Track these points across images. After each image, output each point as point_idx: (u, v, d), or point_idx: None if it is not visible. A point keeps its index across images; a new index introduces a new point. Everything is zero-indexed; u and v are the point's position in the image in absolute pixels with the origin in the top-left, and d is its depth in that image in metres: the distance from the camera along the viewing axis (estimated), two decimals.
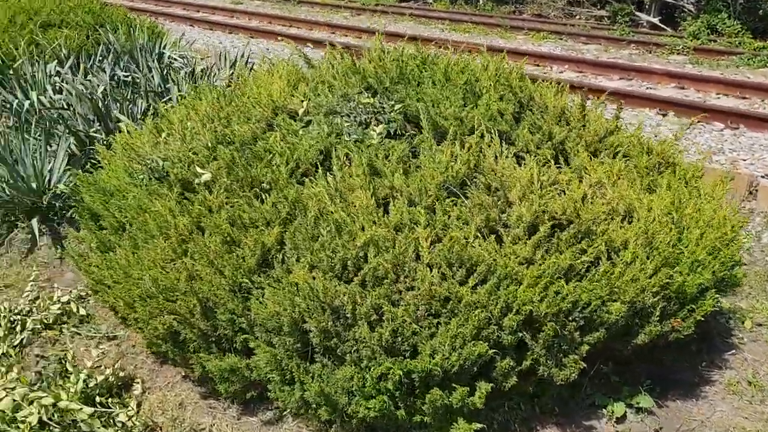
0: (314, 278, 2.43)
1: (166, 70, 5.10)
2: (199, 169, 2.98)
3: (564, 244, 2.49)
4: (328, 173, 2.89)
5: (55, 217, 4.37)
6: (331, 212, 2.57)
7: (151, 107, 4.79)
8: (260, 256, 2.57)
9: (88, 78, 5.20)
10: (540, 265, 2.39)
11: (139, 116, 4.67)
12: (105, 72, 5.39)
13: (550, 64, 10.10)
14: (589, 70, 9.75)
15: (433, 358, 2.22)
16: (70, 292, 3.72)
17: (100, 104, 4.56)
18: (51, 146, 4.51)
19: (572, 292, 2.32)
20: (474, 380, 2.34)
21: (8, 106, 5.01)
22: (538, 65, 10.11)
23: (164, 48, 6.07)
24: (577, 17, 15.62)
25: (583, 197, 2.71)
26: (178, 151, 3.27)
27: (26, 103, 4.94)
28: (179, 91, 4.96)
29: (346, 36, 12.21)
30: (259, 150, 3.03)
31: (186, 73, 5.28)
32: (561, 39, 12.87)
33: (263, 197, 2.80)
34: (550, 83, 3.81)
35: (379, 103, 3.23)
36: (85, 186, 3.32)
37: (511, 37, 13.04)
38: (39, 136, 4.54)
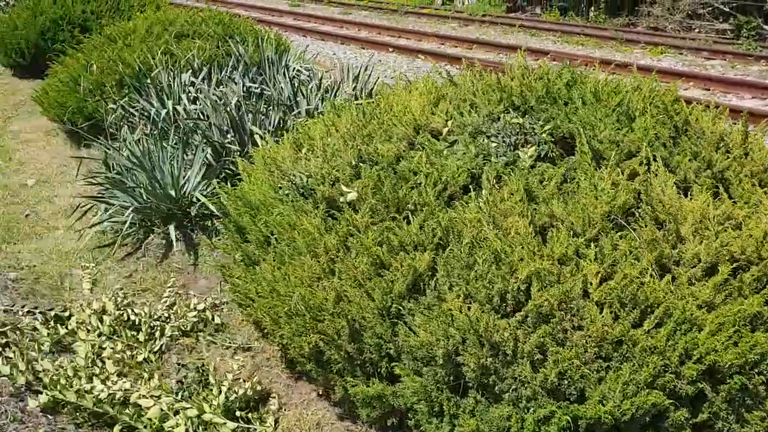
0: (470, 309, 2.33)
1: (296, 84, 5.16)
2: (344, 188, 2.95)
3: (747, 288, 2.27)
4: (476, 197, 2.80)
5: (189, 224, 4.50)
6: (488, 240, 2.46)
7: (282, 120, 4.85)
8: (411, 281, 2.49)
9: (220, 89, 5.34)
10: (722, 310, 2.18)
11: (270, 129, 4.74)
12: (236, 83, 5.52)
13: (673, 81, 9.58)
14: (716, 88, 9.20)
15: (604, 405, 2.07)
16: (205, 300, 3.80)
17: (235, 115, 4.66)
18: (187, 155, 4.65)
19: (761, 343, 2.10)
20: (643, 429, 2.16)
21: (146, 114, 5.22)
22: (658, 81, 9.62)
23: (289, 60, 6.17)
24: (696, 30, 14.83)
25: (764, 236, 2.46)
26: (320, 168, 3.25)
27: (163, 112, 5.13)
28: (308, 104, 5.01)
29: (456, 47, 12.12)
30: (403, 170, 2.97)
31: (313, 86, 5.33)
32: (681, 54, 12.27)
33: (410, 219, 2.73)
34: (706, 106, 3.56)
35: (529, 123, 3.10)
36: (231, 199, 3.36)
37: (627, 50, 12.54)
38: (176, 144, 4.70)
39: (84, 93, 5.70)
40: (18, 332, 3.15)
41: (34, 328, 3.20)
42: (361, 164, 3.15)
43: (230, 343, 3.50)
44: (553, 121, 3.19)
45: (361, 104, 3.76)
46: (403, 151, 3.14)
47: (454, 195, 2.82)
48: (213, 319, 3.66)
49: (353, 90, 5.59)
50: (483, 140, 3.08)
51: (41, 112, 6.51)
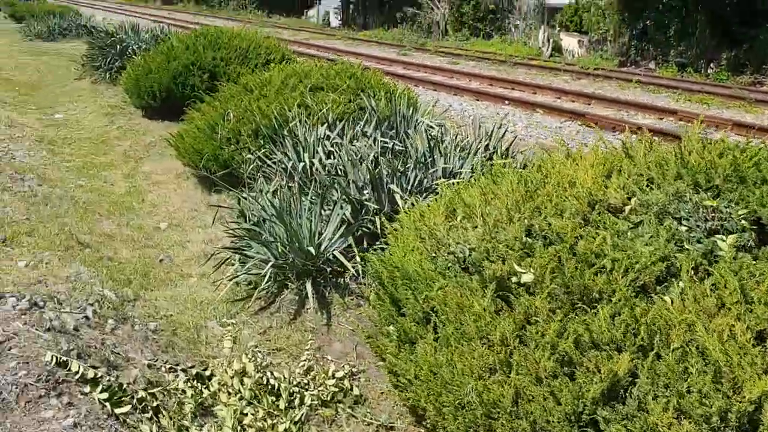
0: (680, 424, 2.03)
1: (432, 141, 5.03)
2: (517, 268, 2.72)
3: None
4: (669, 291, 2.50)
5: (322, 281, 4.38)
6: (698, 342, 2.15)
7: (419, 179, 4.71)
8: (608, 386, 2.21)
9: (354, 143, 5.28)
10: None
11: (408, 188, 4.60)
12: (368, 137, 5.46)
13: None
14: None
15: None
16: (343, 367, 3.63)
17: (373, 172, 4.56)
18: (324, 210, 4.57)
19: None
20: None
21: (283, 166, 5.22)
22: None
23: (420, 115, 6.08)
24: None
25: None
26: (482, 239, 3.05)
27: (300, 165, 5.11)
28: (445, 163, 4.85)
29: (573, 102, 11.79)
30: (585, 252, 2.71)
31: (449, 143, 5.18)
32: None
33: (597, 311, 2.47)
34: None
35: (725, 207, 2.79)
36: (387, 268, 3.20)
37: (757, 111, 11.81)
38: (313, 198, 4.63)
39: (220, 141, 5.80)
40: (165, 392, 3.07)
41: (181, 390, 3.11)
42: (530, 240, 2.92)
43: (371, 419, 3.30)
44: (743, 203, 2.88)
45: (522, 171, 3.55)
46: (580, 228, 2.89)
47: (646, 285, 2.54)
48: (351, 389, 3.48)
49: (486, 149, 5.41)
50: (671, 223, 2.79)
51: (176, 156, 6.70)
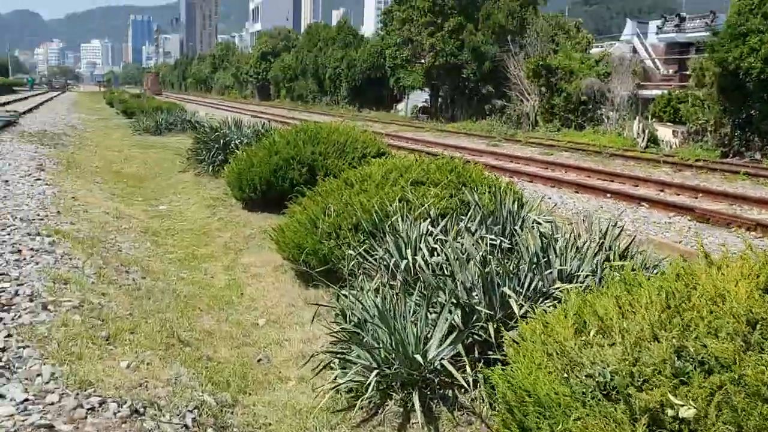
0: None
1: (545, 240, 4.73)
2: (673, 399, 2.34)
3: None
4: None
5: (429, 393, 4.06)
6: None
7: (533, 282, 4.39)
8: None
9: (458, 240, 5.05)
10: None
11: (521, 291, 4.29)
12: (473, 234, 5.22)
13: None
14: None
15: None
16: None
17: (483, 272, 4.29)
18: (429, 314, 4.31)
19: None
20: None
21: (384, 263, 5.04)
22: None
23: (527, 211, 5.82)
24: None
25: None
26: (621, 359, 2.69)
27: (402, 263, 4.91)
28: (561, 265, 4.52)
29: (678, 195, 11.22)
30: (756, 383, 2.31)
31: (562, 243, 4.86)
32: None
33: None
34: None
35: None
36: (515, 391, 2.87)
37: None
38: (418, 300, 4.39)
39: (321, 235, 5.72)
40: None
41: None
42: (681, 364, 2.54)
43: None
44: None
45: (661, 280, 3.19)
46: (742, 351, 2.50)
47: None
48: None
49: (601, 248, 5.04)
50: None
51: (276, 250, 6.67)
